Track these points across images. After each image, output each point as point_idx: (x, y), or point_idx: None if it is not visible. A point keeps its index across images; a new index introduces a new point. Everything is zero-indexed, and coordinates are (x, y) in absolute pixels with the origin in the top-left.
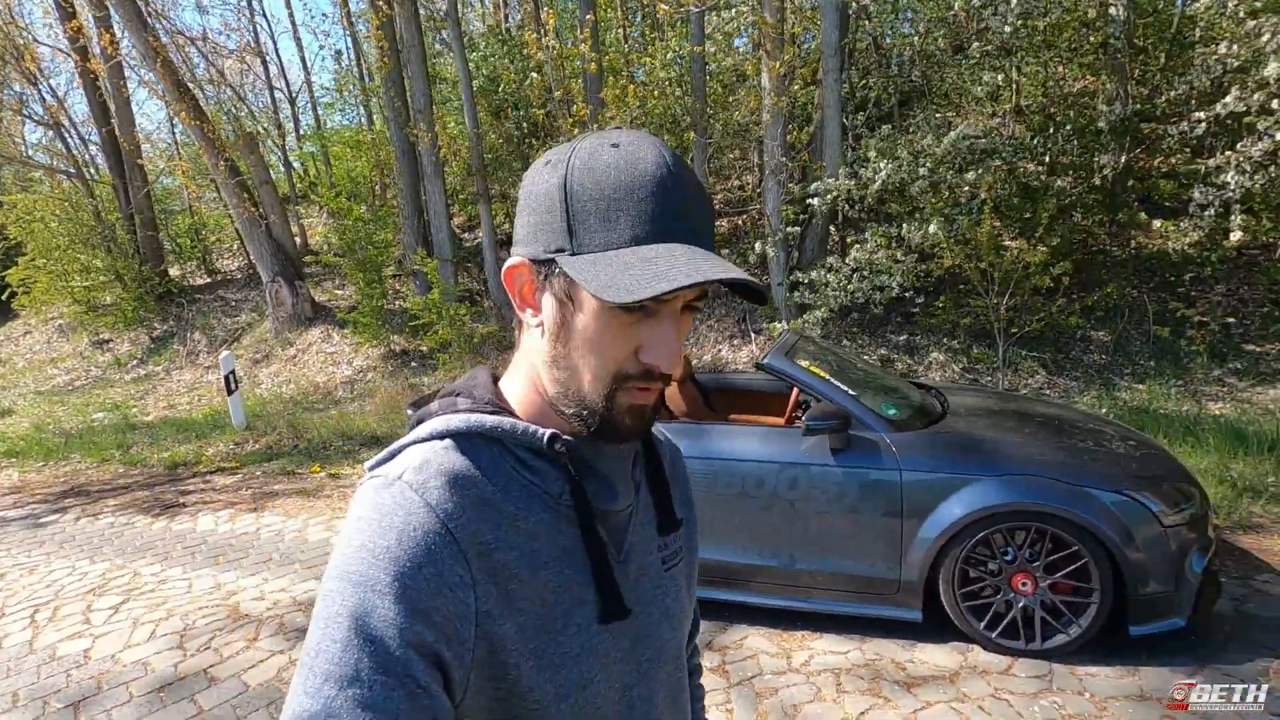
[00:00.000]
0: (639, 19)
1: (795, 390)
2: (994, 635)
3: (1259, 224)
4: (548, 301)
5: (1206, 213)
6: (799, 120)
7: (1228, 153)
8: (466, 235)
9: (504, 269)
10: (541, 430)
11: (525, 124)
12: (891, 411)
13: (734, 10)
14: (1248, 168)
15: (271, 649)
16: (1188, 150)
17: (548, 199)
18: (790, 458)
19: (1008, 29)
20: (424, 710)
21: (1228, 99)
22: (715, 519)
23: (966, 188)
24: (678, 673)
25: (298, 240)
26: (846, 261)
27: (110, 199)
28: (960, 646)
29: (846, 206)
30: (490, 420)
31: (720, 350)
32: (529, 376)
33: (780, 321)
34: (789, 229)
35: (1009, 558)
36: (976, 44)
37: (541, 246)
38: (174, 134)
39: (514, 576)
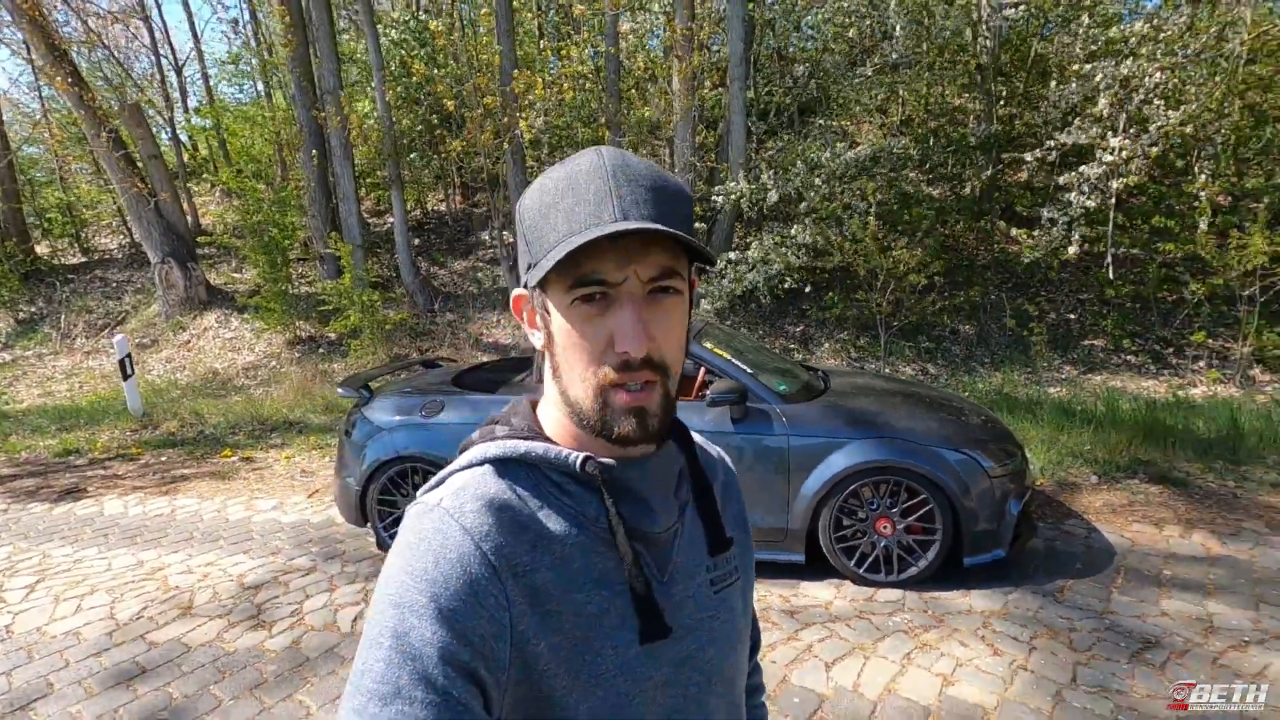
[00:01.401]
0: (552, 14)
1: (702, 369)
2: (861, 571)
3: (1095, 234)
4: (539, 319)
5: (1055, 228)
6: (708, 122)
7: (1070, 174)
8: (375, 220)
9: (511, 303)
10: (575, 454)
11: (435, 114)
12: (782, 387)
13: (647, 13)
14: (1086, 189)
15: (209, 614)
16: (1044, 169)
17: (516, 228)
18: (696, 426)
19: (894, 55)
20: None
21: (1069, 132)
22: None
23: (858, 193)
24: (732, 696)
25: (189, 219)
26: (746, 255)
27: None
28: (835, 582)
29: (748, 208)
30: (524, 446)
31: None
32: (554, 398)
33: None
34: (696, 225)
35: (874, 506)
36: (867, 63)
37: (524, 272)
38: (40, 98)
39: (550, 598)
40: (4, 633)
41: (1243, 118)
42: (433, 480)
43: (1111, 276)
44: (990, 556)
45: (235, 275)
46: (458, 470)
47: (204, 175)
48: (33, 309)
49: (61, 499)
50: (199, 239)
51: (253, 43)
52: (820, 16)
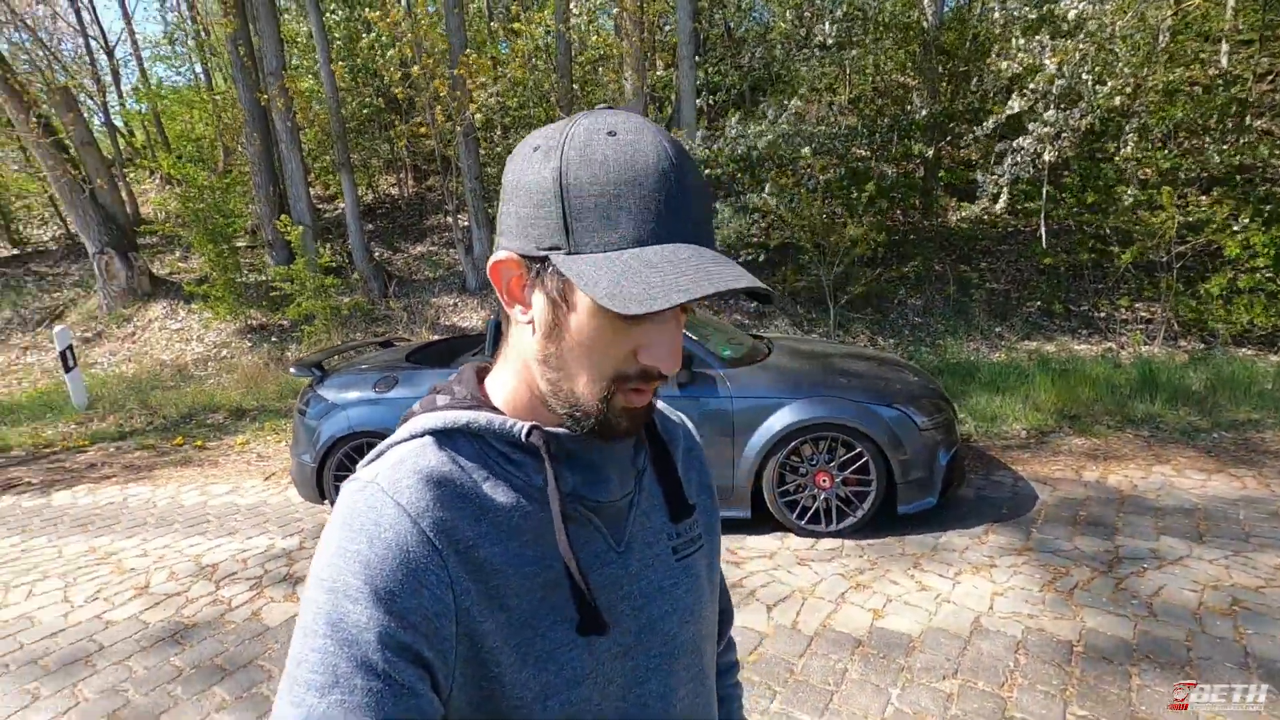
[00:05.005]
0: None
1: None
2: (803, 523)
3: (1033, 204)
4: (539, 299)
5: (987, 193)
6: (659, 100)
7: (1006, 144)
8: (326, 206)
9: (490, 263)
10: (520, 424)
11: (382, 97)
12: (727, 352)
13: None
14: (1020, 159)
15: (166, 592)
16: (980, 143)
17: (540, 191)
18: None
19: (829, 40)
20: (410, 710)
21: (1011, 103)
22: None
23: (805, 167)
24: (698, 666)
25: (128, 208)
26: None
27: None
28: (780, 535)
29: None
30: (467, 416)
31: None
32: (519, 371)
33: None
34: None
35: (813, 462)
36: (807, 45)
37: (533, 243)
38: None
39: (497, 572)
40: None
41: (1161, 95)
42: (370, 454)
43: (1044, 245)
44: (922, 504)
45: (180, 264)
46: (396, 443)
47: (141, 162)
48: None
49: (4, 492)
50: (140, 228)
51: (188, 22)
52: None
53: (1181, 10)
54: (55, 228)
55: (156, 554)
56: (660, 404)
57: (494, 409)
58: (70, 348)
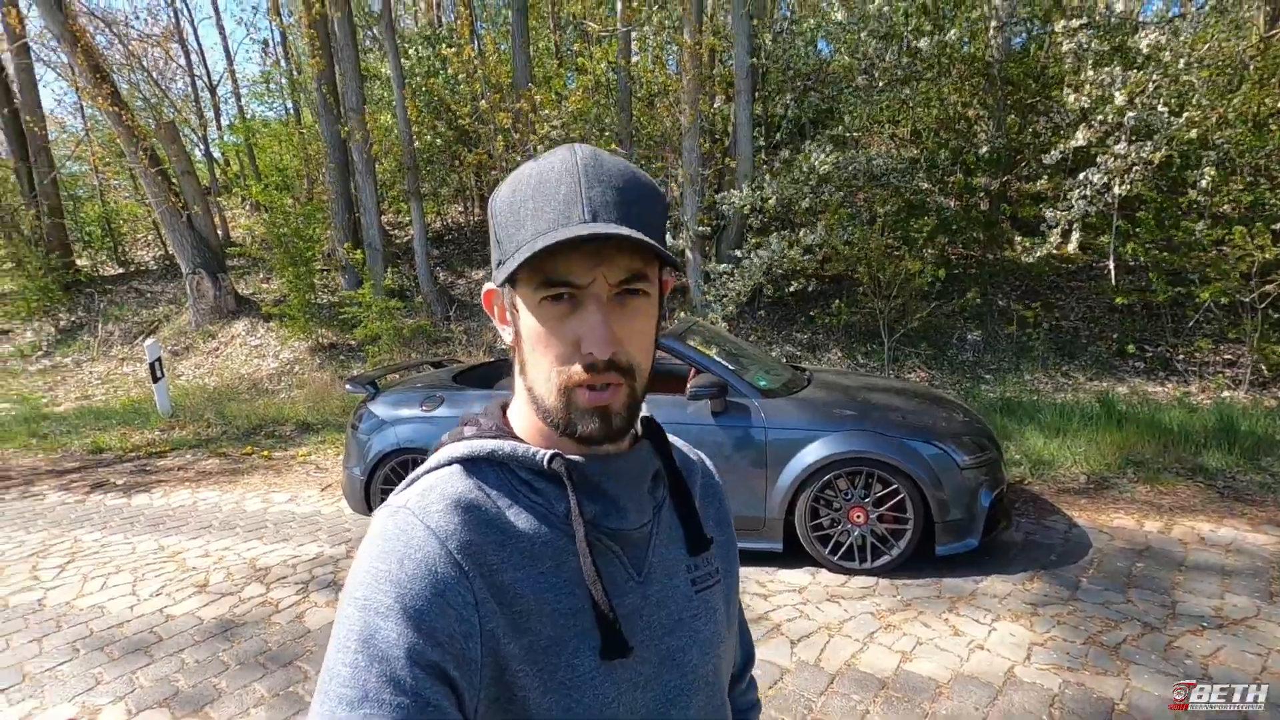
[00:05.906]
0: (570, 30)
1: (693, 369)
2: (836, 559)
3: (1100, 241)
4: (509, 316)
5: (1055, 229)
6: (718, 133)
7: (1074, 180)
8: (397, 232)
9: (483, 298)
10: (542, 451)
11: (452, 129)
12: (763, 382)
13: (655, 28)
14: (1088, 193)
15: (222, 591)
16: (1047, 176)
17: (489, 224)
18: (677, 419)
19: (880, 84)
20: None
21: (1078, 136)
22: None
23: (864, 203)
24: (715, 700)
25: (219, 232)
26: (750, 256)
27: (11, 183)
28: (811, 570)
29: (751, 216)
30: (491, 444)
31: None
32: (523, 397)
33: (694, 314)
34: (700, 228)
35: (848, 496)
36: (863, 78)
37: (494, 268)
38: (83, 117)
39: (520, 597)
40: (37, 606)
41: (1246, 126)
42: (403, 483)
43: (1115, 283)
44: (962, 545)
45: (263, 285)
46: (426, 472)
47: (235, 190)
48: (73, 318)
49: (92, 491)
50: (228, 250)
51: (282, 63)
52: (816, 29)
53: (1269, 41)
54: (156, 249)
55: (217, 554)
56: (678, 441)
57: (516, 438)
58: (159, 360)
